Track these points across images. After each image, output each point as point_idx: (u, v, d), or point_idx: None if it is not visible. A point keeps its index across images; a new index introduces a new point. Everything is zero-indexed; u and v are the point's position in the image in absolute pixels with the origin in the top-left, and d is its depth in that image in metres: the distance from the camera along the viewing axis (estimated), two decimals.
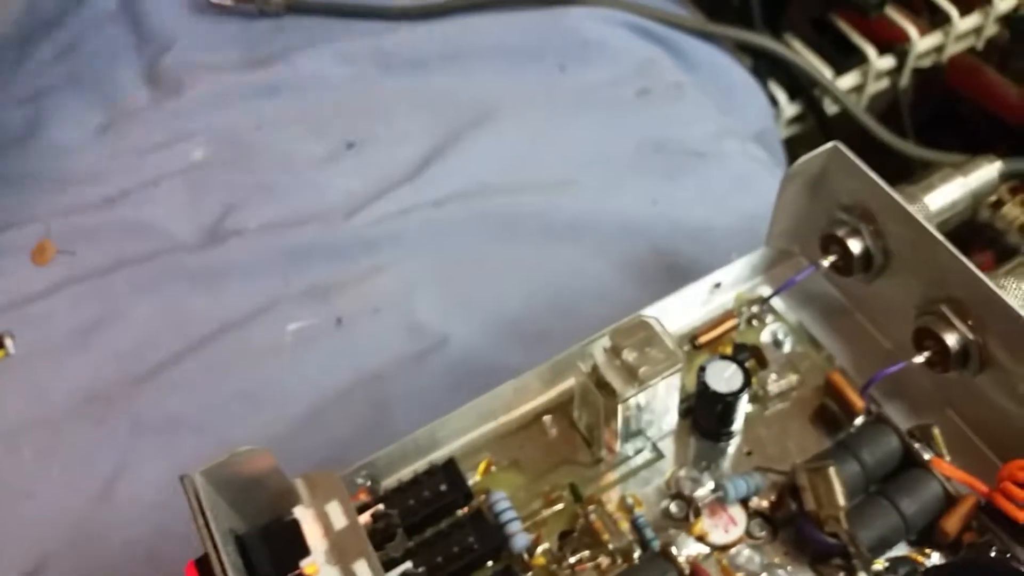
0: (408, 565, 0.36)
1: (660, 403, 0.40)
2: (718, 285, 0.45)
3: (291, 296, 0.57)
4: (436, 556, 0.37)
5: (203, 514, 0.33)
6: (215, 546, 0.33)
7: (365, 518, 0.37)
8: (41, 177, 0.66)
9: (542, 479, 0.41)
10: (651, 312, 0.42)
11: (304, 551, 0.35)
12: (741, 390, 0.39)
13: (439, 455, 0.41)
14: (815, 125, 0.81)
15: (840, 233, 0.43)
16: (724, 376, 0.39)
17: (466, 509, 0.39)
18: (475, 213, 0.59)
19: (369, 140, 0.64)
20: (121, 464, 0.51)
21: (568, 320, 0.53)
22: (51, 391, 0.55)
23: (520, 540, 0.38)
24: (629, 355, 0.37)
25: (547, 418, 0.42)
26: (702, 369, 0.39)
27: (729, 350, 0.44)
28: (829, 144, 0.42)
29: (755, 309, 0.44)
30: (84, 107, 0.70)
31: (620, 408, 0.38)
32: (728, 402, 0.39)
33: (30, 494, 0.51)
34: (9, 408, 0.55)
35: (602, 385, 0.38)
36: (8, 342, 0.57)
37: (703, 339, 0.43)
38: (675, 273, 0.55)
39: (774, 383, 0.42)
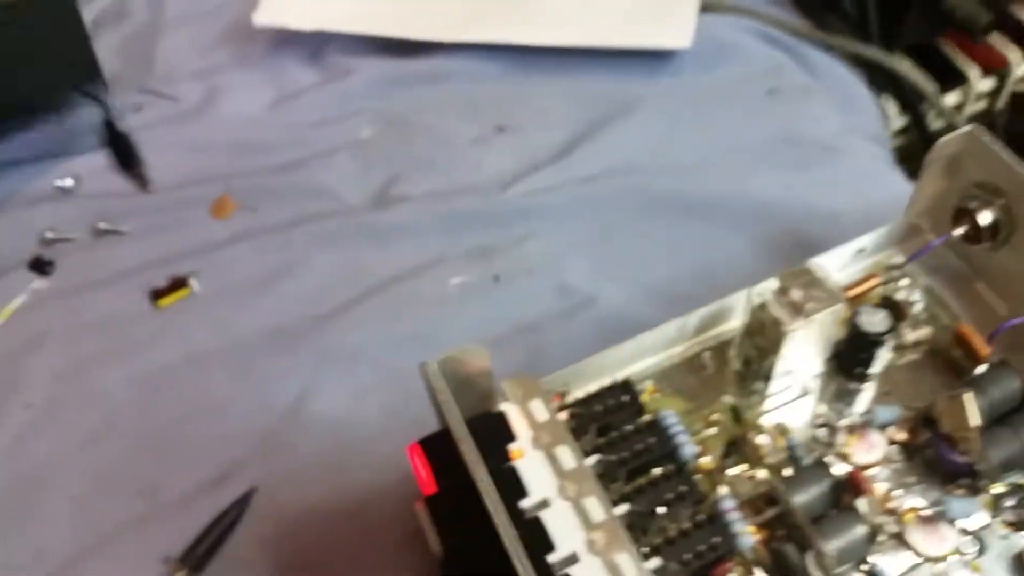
0: (599, 456, 0.42)
1: (814, 343, 0.45)
2: (862, 250, 0.51)
3: (453, 255, 0.63)
4: (619, 452, 0.42)
5: (439, 390, 0.39)
6: (451, 423, 0.39)
7: (562, 415, 0.43)
8: (219, 145, 0.74)
9: (701, 405, 0.47)
10: None
11: (511, 437, 0.41)
12: (889, 331, 0.44)
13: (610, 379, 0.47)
14: (918, 138, 0.87)
15: (972, 206, 0.48)
16: (875, 320, 0.44)
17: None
18: (619, 189, 0.65)
19: (519, 126, 0.71)
20: (307, 389, 0.58)
21: (710, 289, 0.59)
22: (237, 326, 0.62)
23: (689, 449, 0.43)
24: (795, 294, 0.43)
25: (706, 354, 0.48)
26: (856, 313, 0.45)
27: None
28: (967, 127, 0.48)
29: (894, 273, 0.50)
30: (255, 84, 0.78)
31: (785, 339, 0.43)
32: (878, 342, 0.44)
33: (222, 412, 0.58)
34: (198, 338, 0.62)
35: (768, 320, 0.44)
36: (192, 281, 0.64)
37: (850, 293, 0.49)
38: (808, 252, 0.60)
39: (910, 334, 0.48)
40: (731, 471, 0.44)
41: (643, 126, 0.69)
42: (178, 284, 0.64)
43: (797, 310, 0.43)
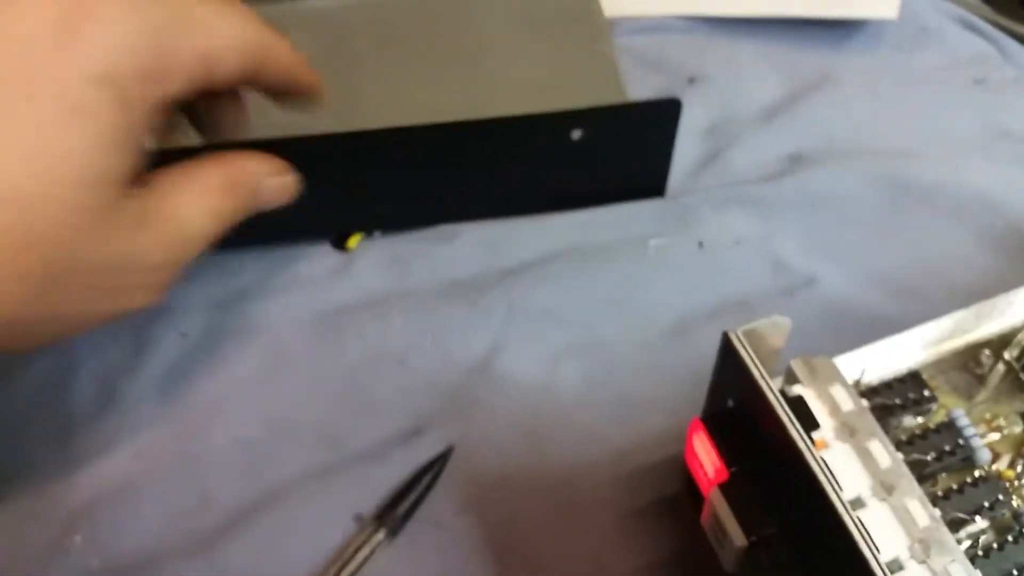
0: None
1: None
2: None
3: (649, 213, 0.59)
4: (915, 451, 0.39)
5: (753, 362, 0.36)
6: (770, 389, 0.35)
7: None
8: None
9: (981, 406, 0.43)
10: None
11: (812, 424, 0.37)
12: None
13: (883, 373, 0.43)
14: None
15: None
16: None
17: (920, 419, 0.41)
18: (828, 166, 0.61)
19: (710, 79, 0.67)
20: (495, 346, 0.54)
21: (934, 280, 0.55)
22: (416, 273, 0.58)
23: (984, 454, 0.40)
24: None
25: (985, 352, 0.44)
26: None
27: None
28: None
29: None
30: None
31: None
32: None
33: (402, 360, 0.54)
34: (374, 281, 0.58)
35: None
36: None
37: None
38: None
39: None
40: None
41: (845, 102, 0.65)
42: None
43: None
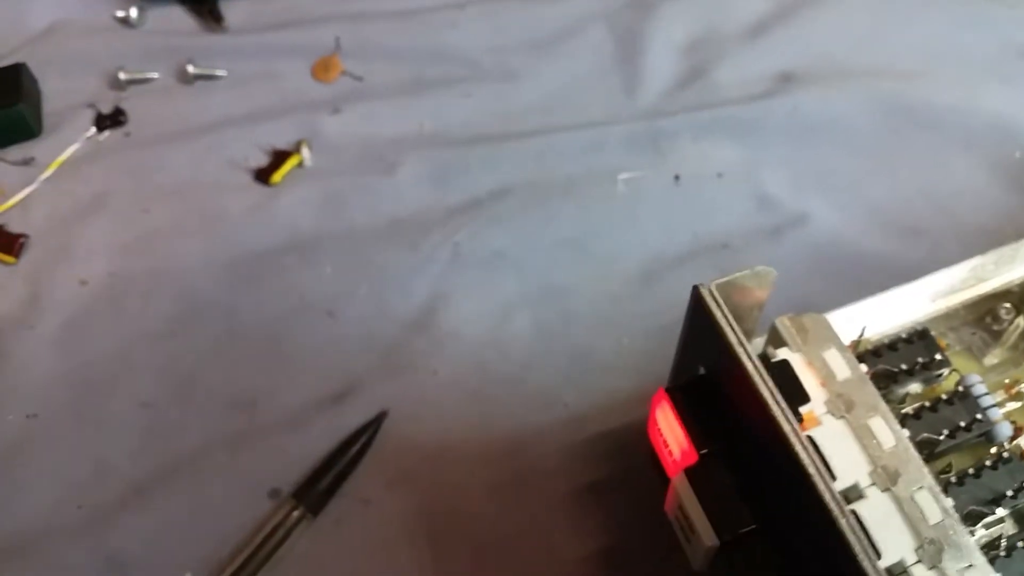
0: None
1: None
2: None
3: (617, 140, 0.52)
4: (922, 425, 0.32)
5: (728, 323, 0.29)
6: (747, 355, 0.28)
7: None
8: None
9: (998, 369, 0.36)
10: None
11: (800, 397, 0.30)
12: None
13: (887, 328, 0.36)
14: None
15: None
16: None
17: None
18: (823, 87, 0.53)
19: None
20: (436, 295, 0.47)
21: (941, 218, 0.48)
22: (352, 210, 0.50)
23: (1004, 428, 0.33)
24: None
25: (1004, 306, 0.37)
26: None
27: None
28: None
29: None
30: None
31: None
32: None
33: (331, 312, 0.47)
34: (303, 222, 0.50)
35: None
36: (305, 151, 0.52)
37: None
38: None
39: None
40: None
41: (843, 16, 0.57)
42: (283, 155, 0.52)
43: None
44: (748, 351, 0.28)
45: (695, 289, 0.30)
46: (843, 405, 0.30)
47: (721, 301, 0.29)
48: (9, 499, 0.42)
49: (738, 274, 0.30)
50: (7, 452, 0.43)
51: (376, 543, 0.40)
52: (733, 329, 0.28)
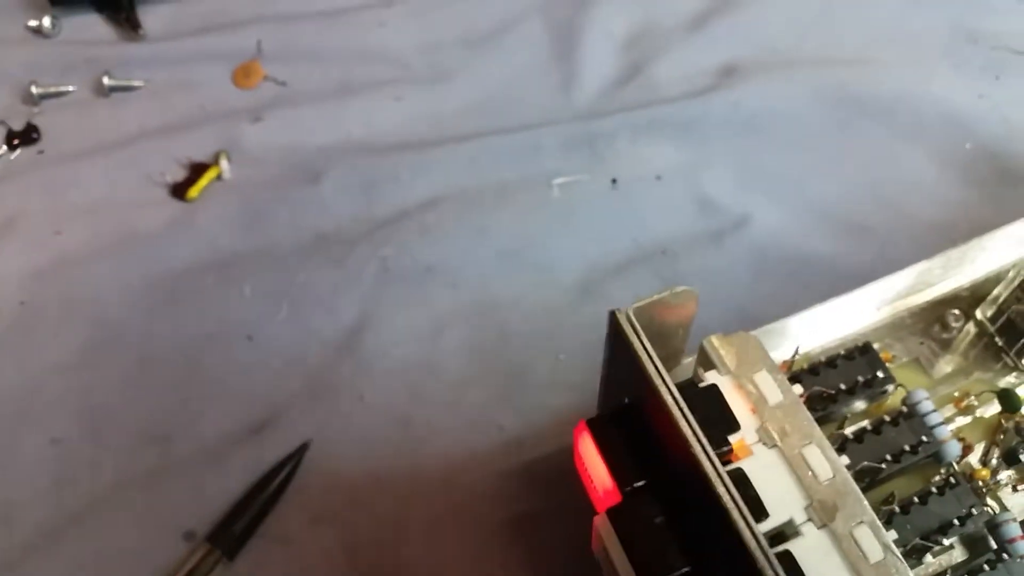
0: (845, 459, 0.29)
1: None
2: None
3: (554, 145, 0.49)
4: (864, 458, 0.30)
5: (646, 351, 0.26)
6: (666, 389, 0.26)
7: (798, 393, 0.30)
8: None
9: (948, 381, 0.34)
10: None
11: (731, 425, 0.28)
12: None
13: (828, 340, 0.34)
14: None
15: None
16: None
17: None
18: (767, 80, 0.51)
19: None
20: (365, 315, 0.44)
21: (891, 214, 0.46)
22: (274, 224, 0.48)
23: (953, 448, 0.31)
24: None
25: (953, 312, 0.35)
26: None
27: None
28: None
29: None
30: None
31: None
32: None
33: (250, 335, 0.44)
34: (222, 239, 0.47)
35: None
36: (224, 163, 0.49)
37: None
38: (1008, 178, 0.48)
39: None
40: (1003, 476, 0.32)
41: (788, 3, 0.55)
42: (201, 168, 0.49)
43: None
44: (666, 380, 0.26)
45: (611, 315, 0.27)
46: (776, 433, 0.28)
47: (639, 328, 0.27)
48: None
49: (656, 297, 0.28)
50: None
51: None
52: (651, 358, 0.26)
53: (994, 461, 0.32)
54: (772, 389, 0.29)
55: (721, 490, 0.25)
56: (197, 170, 0.49)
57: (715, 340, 0.30)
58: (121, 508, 0.40)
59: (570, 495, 0.38)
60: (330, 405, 0.42)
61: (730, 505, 0.24)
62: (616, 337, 0.28)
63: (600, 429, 0.29)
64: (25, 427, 0.42)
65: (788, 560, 0.26)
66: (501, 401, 0.42)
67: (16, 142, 0.52)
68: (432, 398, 0.42)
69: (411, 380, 0.43)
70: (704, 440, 0.25)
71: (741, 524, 0.24)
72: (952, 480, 0.30)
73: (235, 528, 0.38)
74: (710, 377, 0.29)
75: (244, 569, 0.38)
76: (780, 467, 0.27)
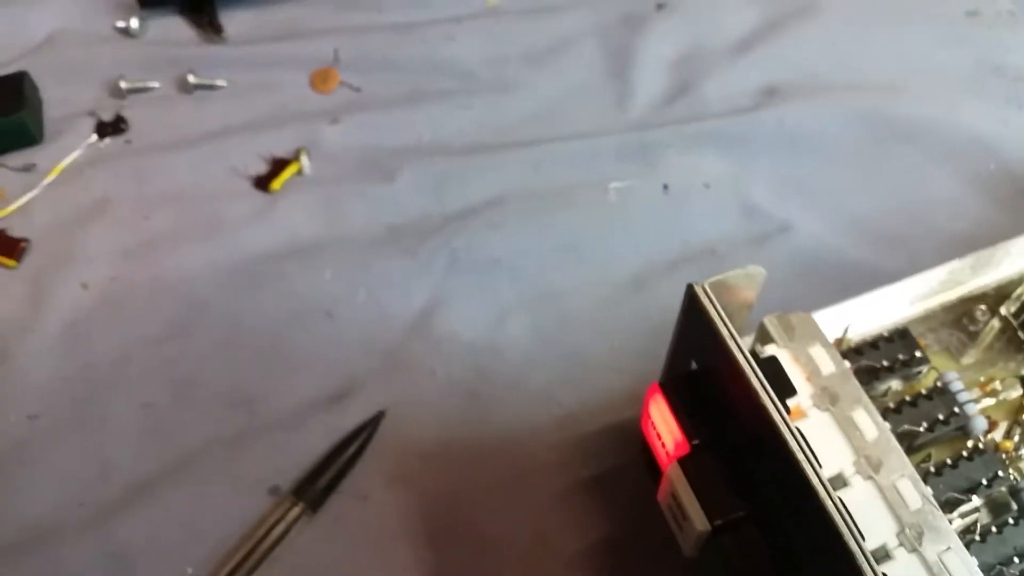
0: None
1: None
2: None
3: (610, 152, 0.53)
4: (903, 419, 0.34)
5: (721, 319, 0.30)
6: (739, 349, 0.29)
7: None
8: None
9: (975, 368, 0.38)
10: None
11: (788, 390, 0.32)
12: None
13: (866, 331, 0.38)
14: None
15: None
16: None
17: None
18: (807, 101, 0.55)
19: (680, 4, 0.60)
20: (435, 299, 0.48)
21: (921, 228, 0.50)
22: (351, 217, 0.52)
23: (980, 422, 0.35)
24: None
25: (980, 308, 0.39)
26: None
27: None
28: None
29: None
30: None
31: None
32: None
33: (330, 314, 0.48)
34: (303, 228, 0.51)
35: None
36: (304, 159, 0.53)
37: None
38: None
39: None
40: None
41: (827, 33, 0.59)
42: (282, 163, 0.53)
43: None
44: (740, 345, 0.29)
45: (689, 287, 0.31)
46: (828, 398, 0.32)
47: (714, 298, 0.30)
48: (12, 498, 0.43)
49: (730, 273, 0.31)
50: (9, 452, 0.44)
51: (374, 539, 0.41)
52: (726, 324, 0.30)
53: (1016, 437, 0.35)
54: (825, 361, 0.32)
55: (790, 439, 0.28)
56: (279, 164, 0.53)
57: (774, 318, 0.34)
58: (209, 465, 0.43)
59: (625, 463, 0.42)
60: (404, 378, 0.46)
61: (798, 452, 0.28)
62: (691, 307, 0.32)
63: (672, 390, 0.33)
64: (118, 392, 0.46)
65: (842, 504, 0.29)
66: (560, 382, 0.46)
67: (105, 132, 0.56)
68: (497, 376, 0.46)
69: (478, 360, 0.46)
70: (776, 398, 0.29)
71: (808, 469, 0.28)
72: (980, 448, 0.34)
73: (318, 484, 0.42)
74: (769, 350, 0.33)
75: (326, 522, 0.42)
76: (832, 427, 0.31)
